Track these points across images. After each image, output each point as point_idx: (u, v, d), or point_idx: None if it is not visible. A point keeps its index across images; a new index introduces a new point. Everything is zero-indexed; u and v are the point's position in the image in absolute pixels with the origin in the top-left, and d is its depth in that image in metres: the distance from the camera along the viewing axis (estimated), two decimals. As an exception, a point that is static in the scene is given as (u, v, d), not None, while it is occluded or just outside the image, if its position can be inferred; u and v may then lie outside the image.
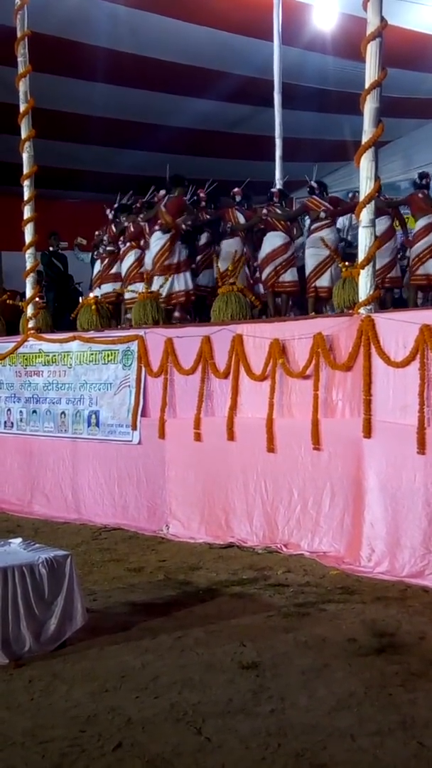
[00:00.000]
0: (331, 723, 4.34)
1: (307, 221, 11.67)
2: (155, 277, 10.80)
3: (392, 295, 11.38)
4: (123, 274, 11.84)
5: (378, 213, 10.59)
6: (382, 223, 10.73)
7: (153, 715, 4.53)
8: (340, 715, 4.44)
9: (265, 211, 11.38)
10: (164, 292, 10.62)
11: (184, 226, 10.93)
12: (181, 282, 10.84)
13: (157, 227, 10.90)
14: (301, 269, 11.19)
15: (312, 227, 11.08)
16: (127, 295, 11.44)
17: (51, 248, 14.01)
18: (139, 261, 11.50)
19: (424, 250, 10.75)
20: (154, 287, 10.62)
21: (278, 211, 11.14)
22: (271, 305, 11.25)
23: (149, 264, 10.98)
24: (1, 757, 4.11)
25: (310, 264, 10.83)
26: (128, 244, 11.81)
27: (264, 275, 11.28)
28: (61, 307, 13.33)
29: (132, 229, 11.76)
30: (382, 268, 10.69)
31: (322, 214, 10.79)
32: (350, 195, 11.80)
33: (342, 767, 3.90)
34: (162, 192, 11.34)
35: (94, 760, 4.05)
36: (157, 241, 10.82)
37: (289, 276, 11.06)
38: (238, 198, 11.69)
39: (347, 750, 4.06)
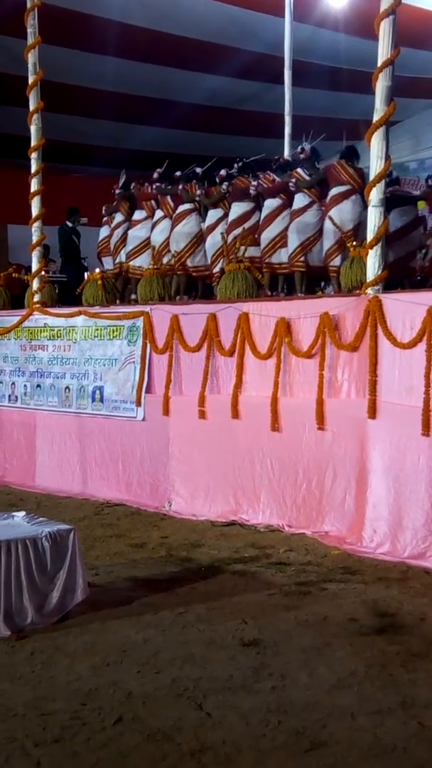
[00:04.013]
0: (331, 701, 4.36)
1: None
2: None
3: None
4: (267, 239, 10.32)
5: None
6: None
7: (154, 690, 4.55)
8: (340, 693, 4.46)
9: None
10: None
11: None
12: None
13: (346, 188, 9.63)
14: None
15: None
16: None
17: (69, 223, 13.94)
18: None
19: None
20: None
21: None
22: None
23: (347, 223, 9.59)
24: (3, 729, 4.13)
25: None
26: (278, 203, 10.33)
27: None
28: (71, 281, 13.29)
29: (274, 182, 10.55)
30: None
31: None
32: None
33: (342, 746, 3.91)
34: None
35: (95, 733, 4.07)
36: (354, 205, 9.60)
37: None
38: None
39: (347, 728, 4.07)
